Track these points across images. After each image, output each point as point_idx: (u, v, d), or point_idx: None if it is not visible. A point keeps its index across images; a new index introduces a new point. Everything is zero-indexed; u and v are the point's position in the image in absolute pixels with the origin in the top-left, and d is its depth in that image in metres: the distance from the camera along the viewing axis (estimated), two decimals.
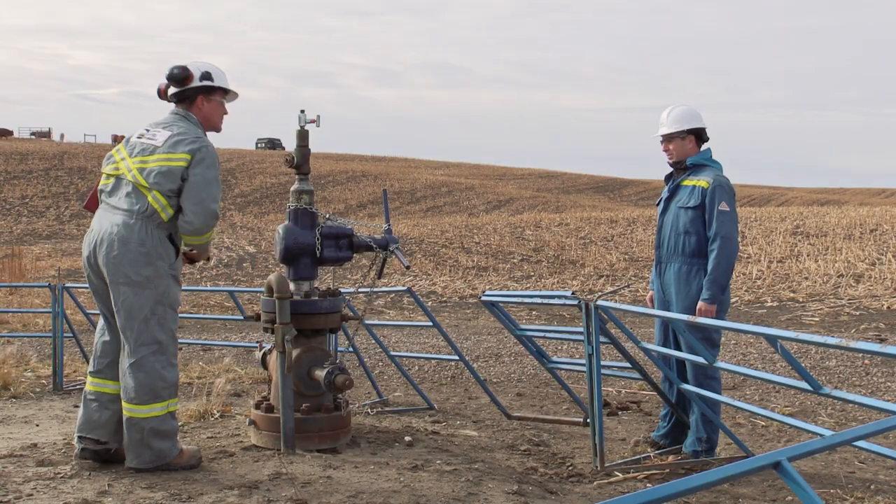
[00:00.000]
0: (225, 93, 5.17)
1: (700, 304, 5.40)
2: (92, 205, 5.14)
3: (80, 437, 5.00)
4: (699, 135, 5.68)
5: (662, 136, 5.71)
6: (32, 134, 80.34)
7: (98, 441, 4.97)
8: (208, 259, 5.31)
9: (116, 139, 78.70)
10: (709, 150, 5.74)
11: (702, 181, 5.55)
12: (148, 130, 4.98)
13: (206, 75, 5.08)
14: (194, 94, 5.07)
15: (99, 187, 5.05)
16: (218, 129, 5.23)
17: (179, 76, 5.00)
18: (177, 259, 4.95)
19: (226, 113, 5.23)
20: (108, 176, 4.98)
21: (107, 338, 5.03)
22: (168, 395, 4.88)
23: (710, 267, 5.41)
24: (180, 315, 5.43)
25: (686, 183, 5.64)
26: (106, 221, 4.86)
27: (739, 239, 23.85)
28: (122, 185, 4.90)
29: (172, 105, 5.14)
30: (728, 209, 5.44)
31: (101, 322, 5.09)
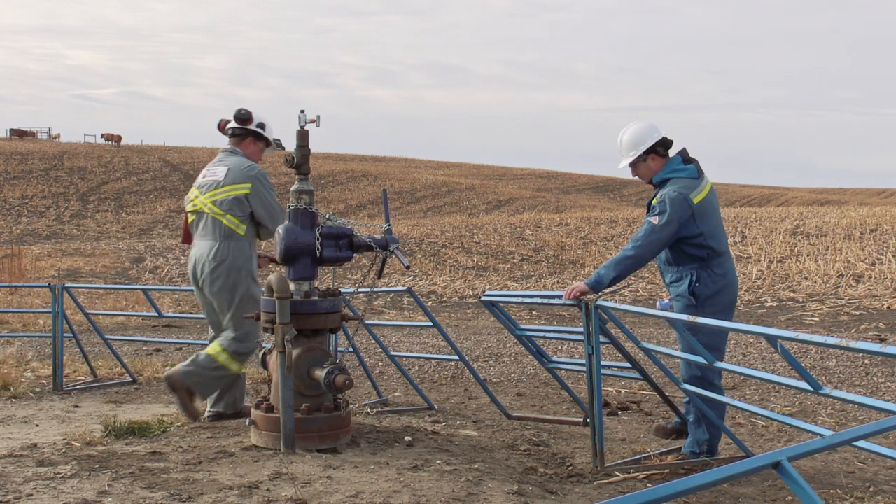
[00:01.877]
0: (267, 143, 6.37)
1: (578, 283, 5.40)
2: (186, 238, 6.42)
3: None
4: (664, 146, 5.58)
5: (628, 167, 5.65)
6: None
7: (224, 413, 6.25)
8: None
9: (106, 137, 79.04)
10: (675, 158, 5.58)
11: (657, 197, 5.50)
12: (209, 170, 6.22)
13: (261, 125, 6.33)
14: (246, 134, 6.30)
15: (189, 223, 6.33)
16: None
17: (244, 116, 6.24)
18: (253, 262, 6.19)
19: (261, 159, 6.41)
20: (191, 213, 6.24)
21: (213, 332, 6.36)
22: (243, 361, 6.25)
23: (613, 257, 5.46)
24: (180, 315, 6.04)
25: (655, 200, 5.57)
26: (201, 247, 6.14)
27: (739, 240, 23.66)
28: (203, 217, 6.15)
29: (226, 139, 6.37)
30: (656, 222, 5.33)
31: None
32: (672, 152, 5.66)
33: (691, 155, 5.62)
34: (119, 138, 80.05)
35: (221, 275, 6.09)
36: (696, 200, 5.40)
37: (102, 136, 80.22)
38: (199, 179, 6.22)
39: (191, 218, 6.25)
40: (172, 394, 6.14)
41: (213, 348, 6.17)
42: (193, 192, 6.23)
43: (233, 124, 6.29)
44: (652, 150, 5.57)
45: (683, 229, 5.37)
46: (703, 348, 5.01)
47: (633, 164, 5.63)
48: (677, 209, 5.33)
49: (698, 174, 5.52)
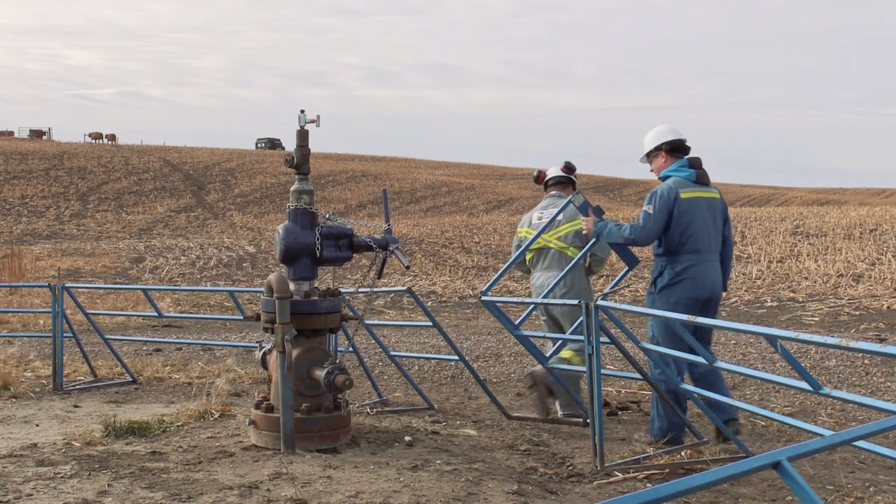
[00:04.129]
0: (574, 188, 7.22)
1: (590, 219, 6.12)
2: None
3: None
4: (673, 148, 6.09)
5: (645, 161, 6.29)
6: (34, 134, 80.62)
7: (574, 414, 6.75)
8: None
9: (94, 136, 79.43)
10: (682, 160, 6.07)
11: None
12: (542, 213, 7.12)
13: (576, 176, 7.39)
14: (569, 182, 7.28)
15: (528, 259, 7.18)
16: None
17: (574, 168, 7.30)
18: (588, 280, 7.04)
19: None
20: (532, 250, 7.07)
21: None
22: None
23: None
24: (180, 315, 5.78)
25: None
26: (548, 277, 6.87)
27: (739, 239, 23.60)
28: (545, 252, 6.99)
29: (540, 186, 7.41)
30: (651, 211, 5.88)
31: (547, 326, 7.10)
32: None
33: (702, 164, 6.11)
34: (113, 136, 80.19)
35: (570, 297, 6.69)
36: (682, 195, 5.89)
37: (89, 135, 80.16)
38: (534, 222, 7.15)
39: (531, 255, 7.13)
40: (531, 389, 6.85)
41: (567, 353, 6.75)
42: (526, 232, 7.21)
43: (556, 173, 7.27)
44: (661, 150, 6.12)
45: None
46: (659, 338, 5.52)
47: (648, 159, 6.23)
48: (665, 200, 5.87)
49: (697, 179, 6.00)
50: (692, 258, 5.87)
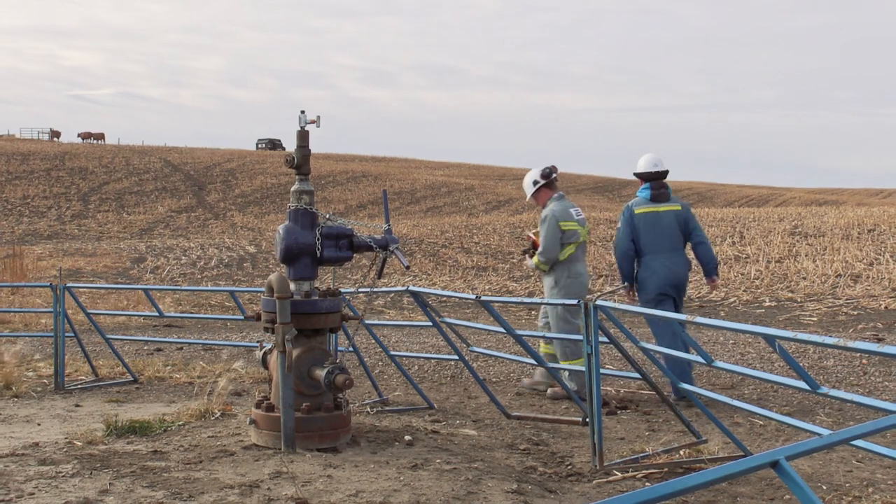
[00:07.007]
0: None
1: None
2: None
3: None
4: (644, 178, 7.60)
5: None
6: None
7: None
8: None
9: (83, 136, 79.78)
10: (645, 185, 7.60)
11: None
12: (574, 210, 7.81)
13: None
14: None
15: (569, 253, 7.73)
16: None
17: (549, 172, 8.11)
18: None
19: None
20: (576, 244, 7.71)
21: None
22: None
23: None
24: (181, 314, 5.75)
25: None
26: (585, 266, 7.86)
27: (738, 240, 23.55)
28: (584, 245, 7.89)
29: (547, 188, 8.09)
30: (618, 225, 7.57)
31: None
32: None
33: (661, 187, 7.58)
34: (101, 136, 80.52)
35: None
36: (636, 212, 7.50)
37: (79, 135, 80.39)
38: (575, 217, 7.79)
39: (571, 249, 7.70)
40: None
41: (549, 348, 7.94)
42: (575, 225, 7.74)
43: (537, 175, 8.03)
44: (637, 176, 7.72)
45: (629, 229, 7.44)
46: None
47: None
48: (623, 215, 7.58)
49: (652, 198, 7.51)
50: (648, 259, 7.42)
